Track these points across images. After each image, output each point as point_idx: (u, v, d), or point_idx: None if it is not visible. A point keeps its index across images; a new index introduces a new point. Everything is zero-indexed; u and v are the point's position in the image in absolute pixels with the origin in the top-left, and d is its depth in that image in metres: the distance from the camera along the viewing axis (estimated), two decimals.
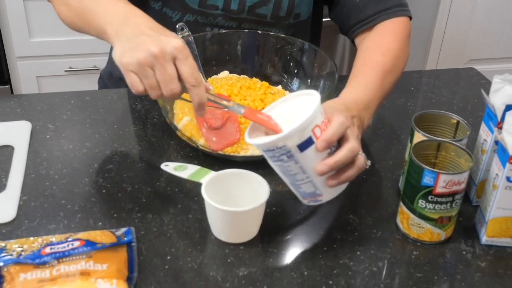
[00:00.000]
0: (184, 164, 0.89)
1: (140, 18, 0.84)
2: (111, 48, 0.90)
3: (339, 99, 0.89)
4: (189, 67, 0.79)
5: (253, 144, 0.77)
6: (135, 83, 0.79)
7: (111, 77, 1.29)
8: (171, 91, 0.79)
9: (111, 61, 1.26)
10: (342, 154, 0.77)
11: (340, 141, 0.78)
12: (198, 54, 1.02)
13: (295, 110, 0.79)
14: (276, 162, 0.78)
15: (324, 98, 0.85)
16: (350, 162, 0.78)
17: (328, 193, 0.82)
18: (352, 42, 1.15)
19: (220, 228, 0.83)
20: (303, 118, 0.73)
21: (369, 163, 0.81)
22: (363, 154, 0.80)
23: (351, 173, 0.79)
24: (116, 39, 0.82)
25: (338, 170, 0.78)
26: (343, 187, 0.82)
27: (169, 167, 0.89)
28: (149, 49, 0.77)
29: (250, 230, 0.84)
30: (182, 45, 0.79)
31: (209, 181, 0.84)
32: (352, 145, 0.77)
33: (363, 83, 0.95)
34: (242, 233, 0.83)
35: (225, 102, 0.84)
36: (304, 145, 0.74)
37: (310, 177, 0.78)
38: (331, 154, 0.77)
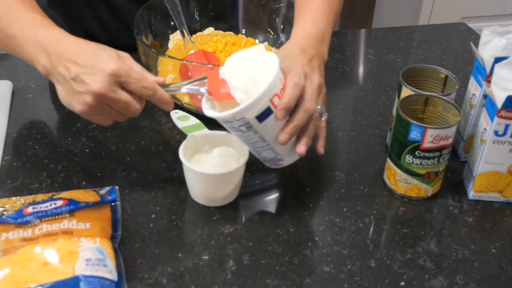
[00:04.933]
0: (188, 115, 0.87)
1: (61, 48, 0.75)
2: None
3: (292, 41, 0.84)
4: (136, 83, 0.73)
5: (210, 116, 0.74)
6: (101, 122, 0.77)
7: None
8: (135, 111, 0.75)
9: None
10: (299, 117, 0.74)
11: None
12: (182, 10, 1.00)
13: (255, 72, 0.74)
14: (235, 131, 0.75)
15: None
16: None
17: (289, 157, 0.80)
18: None
19: (198, 191, 0.82)
20: (260, 89, 0.70)
21: (325, 116, 0.79)
22: (319, 107, 0.77)
23: (309, 131, 0.77)
24: (52, 78, 0.76)
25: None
26: None
27: (178, 114, 0.87)
28: (91, 91, 0.72)
29: (227, 194, 0.82)
30: (116, 69, 0.72)
31: (188, 143, 0.82)
32: (306, 105, 0.74)
33: (310, 15, 0.89)
34: (219, 197, 0.82)
35: (186, 87, 0.78)
36: (263, 116, 0.72)
37: (270, 144, 0.77)
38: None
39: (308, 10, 0.90)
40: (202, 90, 0.77)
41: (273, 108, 0.72)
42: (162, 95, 0.76)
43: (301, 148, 0.77)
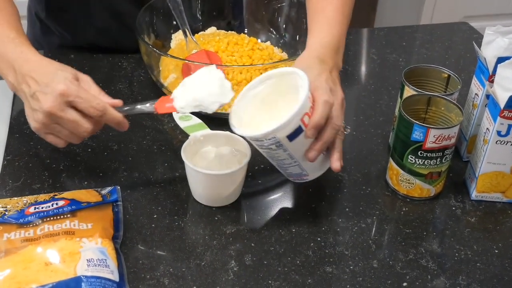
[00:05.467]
0: (190, 115, 0.87)
1: (26, 67, 0.79)
2: None
3: (310, 52, 0.85)
4: (84, 103, 0.76)
5: (240, 134, 0.75)
6: (54, 142, 0.80)
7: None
8: (86, 131, 0.77)
9: None
10: (327, 134, 0.75)
11: None
12: (184, 9, 1.00)
13: (281, 92, 0.76)
14: (264, 149, 0.76)
15: None
16: None
17: (314, 173, 0.81)
18: None
19: (200, 191, 0.82)
20: (292, 110, 0.71)
21: (348, 130, 0.80)
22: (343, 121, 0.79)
23: (338, 145, 0.79)
24: (18, 94, 0.82)
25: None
26: (327, 165, 0.81)
27: (179, 114, 0.87)
28: (42, 109, 0.76)
29: (229, 194, 0.82)
30: (65, 89, 0.75)
31: (190, 143, 0.82)
32: (334, 122, 0.76)
33: (325, 23, 0.89)
34: (221, 197, 0.82)
35: (138, 107, 0.81)
36: (293, 135, 0.73)
37: (298, 161, 0.77)
38: None
39: (322, 18, 0.90)
40: (148, 105, 0.80)
41: (303, 127, 0.73)
42: (112, 115, 0.78)
43: (336, 164, 0.78)
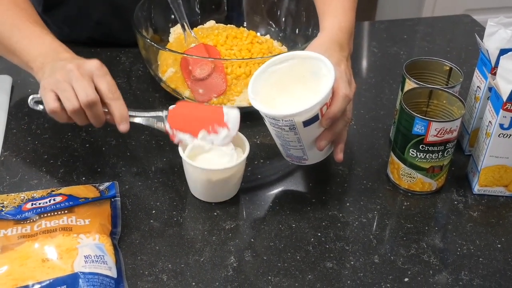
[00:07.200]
0: None
1: (67, 54, 0.83)
2: None
3: (329, 35, 0.84)
4: (107, 84, 0.78)
5: (259, 109, 0.74)
6: (49, 100, 0.78)
7: None
8: (86, 97, 0.77)
9: None
10: (339, 126, 0.77)
11: None
12: (182, 3, 0.99)
13: (300, 75, 0.77)
14: (275, 128, 0.76)
15: None
16: None
17: (314, 159, 0.81)
18: None
19: (198, 187, 0.81)
20: (316, 99, 0.71)
21: (352, 122, 0.81)
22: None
23: (343, 137, 0.80)
24: (40, 71, 0.81)
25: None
26: (328, 152, 0.82)
27: None
28: (67, 67, 0.78)
29: (227, 189, 0.81)
30: (100, 64, 0.79)
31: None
32: (347, 115, 0.77)
33: (340, 7, 0.89)
34: (220, 192, 0.81)
35: (146, 114, 0.82)
36: (309, 122, 0.74)
37: (303, 146, 0.77)
38: None
39: (336, 2, 0.90)
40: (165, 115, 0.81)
41: (319, 115, 0.74)
42: (122, 106, 0.79)
43: (340, 155, 0.80)
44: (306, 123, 0.73)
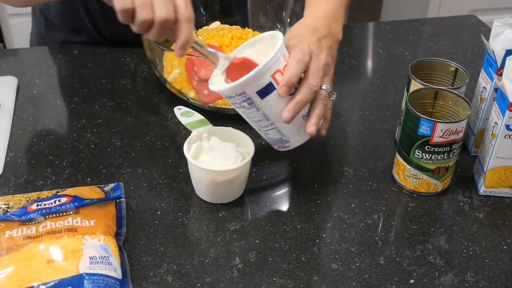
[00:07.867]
0: (192, 111, 0.86)
1: None
2: None
3: (304, 21, 0.84)
4: (185, 1, 0.71)
5: (213, 90, 0.75)
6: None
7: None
8: (166, 12, 0.69)
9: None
10: (301, 94, 0.74)
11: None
12: None
13: (265, 56, 0.74)
14: (239, 108, 0.75)
15: None
16: (313, 100, 0.76)
17: (296, 139, 0.80)
18: None
19: (203, 188, 0.81)
20: (261, 64, 0.70)
21: (334, 96, 0.78)
22: (327, 86, 0.77)
23: (317, 110, 0.76)
24: None
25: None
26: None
27: (181, 110, 0.86)
28: None
29: (232, 190, 0.81)
30: None
31: (193, 139, 0.81)
32: (309, 82, 0.74)
33: None
34: (225, 193, 0.81)
35: (210, 49, 0.78)
36: (264, 92, 0.72)
37: (274, 124, 0.76)
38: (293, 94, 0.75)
39: None
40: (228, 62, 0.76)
41: (275, 85, 0.72)
42: (191, 30, 0.72)
43: (311, 128, 0.76)
44: (262, 93, 0.72)
